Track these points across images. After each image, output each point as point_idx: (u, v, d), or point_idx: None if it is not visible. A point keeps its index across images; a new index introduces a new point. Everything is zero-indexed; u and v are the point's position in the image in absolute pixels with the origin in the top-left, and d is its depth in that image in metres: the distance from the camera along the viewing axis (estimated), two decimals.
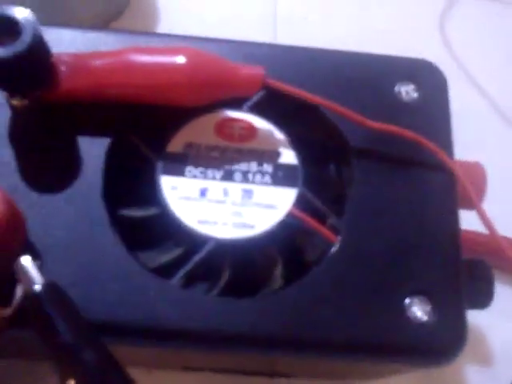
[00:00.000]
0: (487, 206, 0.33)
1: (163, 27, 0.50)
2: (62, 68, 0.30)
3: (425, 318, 0.30)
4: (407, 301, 0.30)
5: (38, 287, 0.26)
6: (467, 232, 0.34)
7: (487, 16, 0.54)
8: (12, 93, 0.30)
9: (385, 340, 0.30)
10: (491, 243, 0.32)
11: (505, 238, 0.35)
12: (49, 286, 0.26)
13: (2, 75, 0.29)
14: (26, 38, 0.28)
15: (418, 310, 0.30)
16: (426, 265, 0.31)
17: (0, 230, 0.26)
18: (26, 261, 0.27)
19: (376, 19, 0.52)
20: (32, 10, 0.42)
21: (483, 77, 0.50)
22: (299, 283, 0.30)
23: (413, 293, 0.30)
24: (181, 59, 0.31)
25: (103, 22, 0.48)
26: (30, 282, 0.26)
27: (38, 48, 0.28)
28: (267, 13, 0.51)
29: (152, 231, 0.32)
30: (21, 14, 0.28)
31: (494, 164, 0.37)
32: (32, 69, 0.29)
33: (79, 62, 0.31)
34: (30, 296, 0.26)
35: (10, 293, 0.27)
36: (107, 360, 0.26)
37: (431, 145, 0.32)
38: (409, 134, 0.32)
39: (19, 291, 0.27)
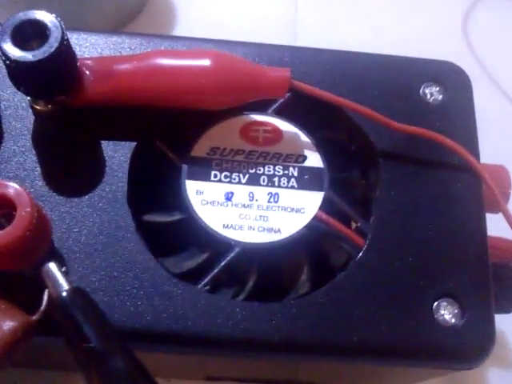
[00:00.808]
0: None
1: (180, 28, 0.50)
2: (87, 72, 0.30)
3: (453, 320, 0.30)
4: (435, 304, 0.30)
5: (64, 293, 0.26)
6: (493, 238, 0.34)
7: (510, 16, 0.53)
8: (37, 97, 0.30)
9: (413, 343, 0.29)
10: None
11: None
12: (75, 292, 0.26)
13: (28, 80, 0.29)
14: (53, 43, 0.28)
15: (446, 313, 0.30)
16: (454, 267, 0.30)
17: (27, 235, 0.26)
18: (52, 267, 0.27)
19: (398, 21, 0.52)
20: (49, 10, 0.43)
21: (506, 78, 0.50)
22: (326, 288, 0.30)
23: (441, 296, 0.30)
24: (206, 62, 0.30)
25: (120, 23, 0.48)
26: (56, 287, 0.26)
27: (65, 53, 0.28)
28: (287, 15, 0.51)
29: (177, 236, 0.31)
30: (48, 18, 0.28)
31: None
32: (58, 74, 0.29)
33: (104, 66, 0.31)
34: (56, 302, 0.26)
35: (36, 299, 0.27)
36: (135, 367, 0.26)
37: (457, 146, 0.32)
38: (435, 135, 0.32)
39: (46, 297, 0.27)
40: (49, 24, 0.28)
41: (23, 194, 0.26)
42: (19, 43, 0.28)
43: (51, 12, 0.40)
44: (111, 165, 0.31)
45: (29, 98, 0.31)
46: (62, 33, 0.28)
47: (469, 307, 0.30)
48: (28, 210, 0.26)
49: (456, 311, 0.30)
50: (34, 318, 0.26)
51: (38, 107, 0.31)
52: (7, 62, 0.28)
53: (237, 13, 0.51)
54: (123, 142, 0.31)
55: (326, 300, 0.29)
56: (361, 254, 0.30)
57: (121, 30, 0.48)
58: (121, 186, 0.30)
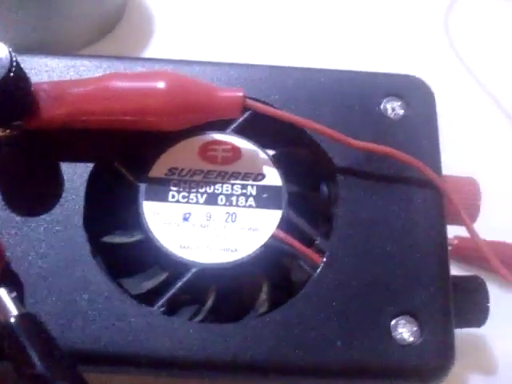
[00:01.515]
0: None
1: (159, 37, 0.50)
2: (42, 96, 0.30)
3: (411, 339, 0.29)
4: (393, 322, 0.29)
5: (12, 319, 0.26)
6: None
7: (492, 14, 0.53)
8: None
9: (371, 362, 0.29)
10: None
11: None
12: (23, 317, 0.26)
13: None
14: (1, 70, 0.28)
15: (404, 331, 0.29)
16: (413, 284, 0.30)
17: None
18: (2, 292, 0.27)
19: (379, 22, 0.51)
20: (29, 23, 0.43)
21: (487, 77, 0.49)
22: (283, 308, 0.29)
23: (399, 313, 0.29)
24: (158, 84, 0.30)
25: (98, 34, 0.48)
26: (3, 313, 0.26)
27: (16, 80, 0.29)
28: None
29: (135, 257, 0.31)
30: None
31: (501, 165, 0.36)
32: (10, 101, 0.29)
33: (58, 89, 0.31)
34: (3, 327, 0.26)
35: None
36: None
37: (415, 161, 0.31)
38: (391, 151, 0.32)
39: None
40: None
41: None
42: None
43: (27, 23, 0.41)
44: (68, 187, 0.31)
45: None
46: (10, 62, 0.28)
47: (427, 325, 0.29)
48: None
49: (414, 329, 0.29)
50: None
51: None
52: None
53: (214, 20, 0.51)
54: (80, 164, 0.31)
55: (283, 320, 0.29)
56: (318, 272, 0.30)
57: (99, 40, 0.48)
58: (77, 209, 0.31)
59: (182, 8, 0.51)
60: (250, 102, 0.31)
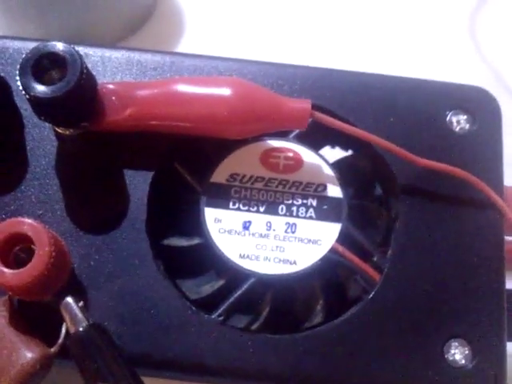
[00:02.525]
0: None
1: (190, 33, 0.49)
2: (108, 97, 0.30)
3: (463, 361, 0.30)
4: (446, 344, 0.30)
5: (81, 328, 0.27)
6: None
7: None
8: (58, 126, 0.31)
9: (422, 383, 0.30)
10: None
11: None
12: (92, 328, 0.27)
13: (49, 112, 0.29)
14: (71, 78, 0.28)
15: (457, 354, 0.30)
16: (468, 308, 0.30)
17: (45, 274, 0.26)
18: (70, 302, 0.28)
19: (403, 25, 0.50)
20: (60, 19, 0.43)
21: None
22: (337, 323, 0.30)
23: (452, 336, 0.30)
24: (225, 91, 0.30)
25: (130, 29, 0.48)
26: (73, 323, 0.27)
27: (84, 85, 0.28)
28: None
29: (195, 261, 0.32)
30: (66, 50, 0.28)
31: None
32: (78, 104, 0.29)
33: (125, 91, 0.30)
34: (73, 337, 0.27)
35: (57, 328, 0.28)
36: None
37: (480, 183, 0.31)
38: (458, 171, 0.31)
39: (63, 330, 0.28)
40: (67, 57, 0.28)
41: (42, 231, 0.27)
42: (39, 75, 0.28)
43: (60, 18, 0.40)
44: (131, 191, 0.31)
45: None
46: (81, 66, 0.28)
47: (480, 349, 0.30)
48: (46, 249, 0.26)
49: (467, 352, 0.30)
50: (52, 350, 0.27)
51: (60, 131, 0.31)
52: (27, 97, 0.28)
53: (246, 17, 0.50)
54: (143, 168, 0.31)
55: (337, 336, 0.30)
56: (375, 290, 0.30)
57: (130, 36, 0.48)
58: (140, 213, 0.31)
59: (213, 3, 0.50)
60: (318, 115, 0.30)
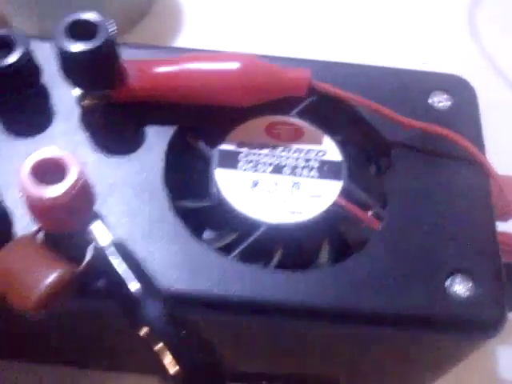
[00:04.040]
0: None
1: (187, 29, 0.52)
2: (130, 71, 0.34)
3: (467, 293, 0.31)
4: (449, 279, 0.31)
5: (110, 243, 0.29)
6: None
7: None
8: (84, 89, 0.34)
9: (430, 315, 0.31)
10: None
11: None
12: (117, 244, 0.29)
13: (79, 71, 0.32)
14: (102, 37, 0.32)
15: (460, 287, 0.31)
16: (465, 246, 0.32)
17: (74, 194, 0.28)
18: (99, 223, 0.29)
19: (403, 16, 0.54)
20: (52, 13, 0.45)
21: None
22: (346, 261, 0.32)
23: (454, 271, 0.32)
24: (234, 65, 0.34)
25: (128, 25, 0.50)
26: (102, 239, 0.29)
27: (112, 46, 0.32)
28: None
29: (207, 220, 0.34)
30: (98, 18, 0.32)
31: None
32: (105, 66, 0.32)
33: (145, 65, 0.34)
34: (102, 252, 0.29)
35: (80, 253, 0.29)
36: (172, 310, 0.28)
37: (464, 141, 0.35)
38: (438, 129, 0.35)
39: (90, 251, 0.29)
40: (98, 23, 0.32)
41: (73, 158, 0.29)
42: (72, 38, 0.32)
43: (58, 14, 0.44)
44: (150, 151, 0.34)
45: (76, 94, 0.35)
46: (109, 31, 0.32)
47: (481, 281, 0.31)
48: (78, 170, 0.29)
49: (469, 285, 0.31)
50: (80, 267, 0.29)
51: (84, 102, 0.34)
52: (61, 54, 0.31)
53: (242, 11, 0.53)
54: (160, 134, 0.35)
55: (346, 271, 0.31)
56: (377, 234, 0.33)
57: (127, 31, 0.50)
58: (157, 171, 0.33)
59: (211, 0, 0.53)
60: (316, 82, 0.34)
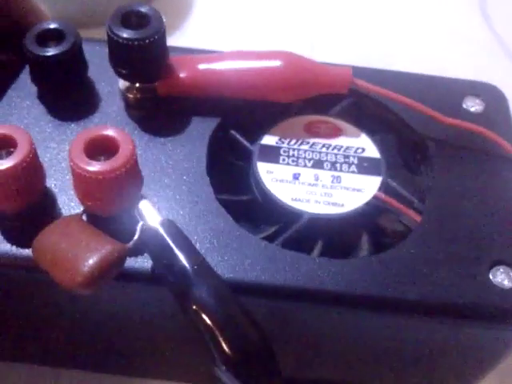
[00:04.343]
0: None
1: (193, 16, 0.52)
2: (175, 66, 0.35)
3: (510, 284, 0.31)
4: (492, 270, 0.32)
5: (161, 222, 0.29)
6: None
7: None
8: (131, 81, 0.35)
9: (474, 304, 0.31)
10: None
11: None
12: (169, 222, 0.29)
13: (130, 62, 0.33)
14: (153, 27, 0.33)
15: (502, 277, 0.32)
16: (507, 239, 0.33)
17: (128, 164, 0.29)
18: (146, 203, 0.30)
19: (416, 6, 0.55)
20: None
21: None
22: (388, 252, 0.32)
23: (497, 263, 0.32)
24: (277, 62, 0.35)
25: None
26: (152, 218, 0.29)
27: (163, 38, 0.33)
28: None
29: (247, 213, 0.34)
30: (151, 10, 0.33)
31: None
32: (155, 57, 0.33)
33: (190, 61, 0.35)
34: (152, 230, 0.29)
35: (125, 237, 0.29)
36: (225, 287, 0.28)
37: (499, 138, 0.35)
38: (476, 127, 0.35)
39: (139, 228, 0.29)
40: (151, 14, 0.33)
41: (126, 135, 0.30)
42: (124, 27, 0.33)
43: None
44: (193, 143, 0.34)
45: (121, 87, 0.35)
46: (162, 23, 0.33)
47: None
48: (130, 147, 0.29)
49: (511, 276, 0.32)
50: (129, 244, 0.29)
51: (129, 95, 0.35)
52: (115, 41, 0.32)
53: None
54: (204, 126, 0.35)
55: (388, 261, 0.31)
56: (419, 227, 0.33)
57: None
58: (201, 162, 0.34)
59: None
60: (357, 80, 0.35)
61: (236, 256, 0.31)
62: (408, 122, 0.37)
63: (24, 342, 0.38)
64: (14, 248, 0.31)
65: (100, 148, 0.29)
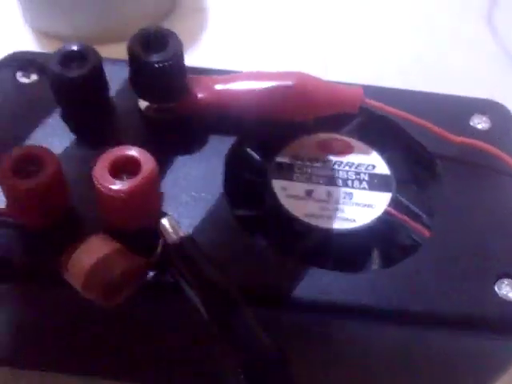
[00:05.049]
0: None
1: (210, 29, 0.53)
2: (195, 86, 0.36)
3: None
4: (497, 282, 0.33)
5: (183, 238, 0.30)
6: None
7: None
8: (151, 101, 0.36)
9: (480, 315, 0.32)
10: None
11: None
12: (191, 238, 0.31)
13: (150, 82, 0.35)
14: (173, 48, 0.34)
15: (507, 290, 0.33)
16: (510, 254, 0.34)
17: (150, 182, 0.30)
18: (170, 218, 0.31)
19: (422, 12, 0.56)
20: (82, 11, 0.48)
21: None
22: (399, 266, 0.33)
23: (501, 276, 0.33)
24: (289, 82, 0.36)
25: (152, 22, 0.51)
26: (175, 234, 0.30)
27: (181, 59, 0.35)
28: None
29: (261, 228, 0.36)
30: (169, 33, 0.35)
31: None
32: (175, 78, 0.35)
33: (208, 81, 0.37)
34: (175, 246, 0.30)
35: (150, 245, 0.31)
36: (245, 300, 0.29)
37: (506, 156, 0.37)
38: (486, 146, 0.37)
39: (161, 243, 0.31)
40: (169, 36, 0.35)
41: (147, 154, 0.31)
42: (145, 50, 0.34)
43: (84, 14, 0.45)
44: (210, 160, 0.36)
45: (141, 107, 0.37)
46: (180, 44, 0.34)
47: None
48: (151, 166, 0.31)
49: None
50: (151, 259, 0.30)
51: (149, 115, 0.37)
52: (136, 64, 0.34)
53: (267, 14, 0.54)
54: (221, 143, 0.37)
55: (398, 274, 0.33)
56: (427, 241, 0.34)
57: None
58: (217, 177, 0.35)
59: (236, 1, 0.53)
60: (368, 100, 0.37)
61: (252, 270, 0.32)
62: (417, 139, 0.38)
63: (46, 352, 0.39)
64: (38, 262, 0.32)
65: (123, 167, 0.31)
